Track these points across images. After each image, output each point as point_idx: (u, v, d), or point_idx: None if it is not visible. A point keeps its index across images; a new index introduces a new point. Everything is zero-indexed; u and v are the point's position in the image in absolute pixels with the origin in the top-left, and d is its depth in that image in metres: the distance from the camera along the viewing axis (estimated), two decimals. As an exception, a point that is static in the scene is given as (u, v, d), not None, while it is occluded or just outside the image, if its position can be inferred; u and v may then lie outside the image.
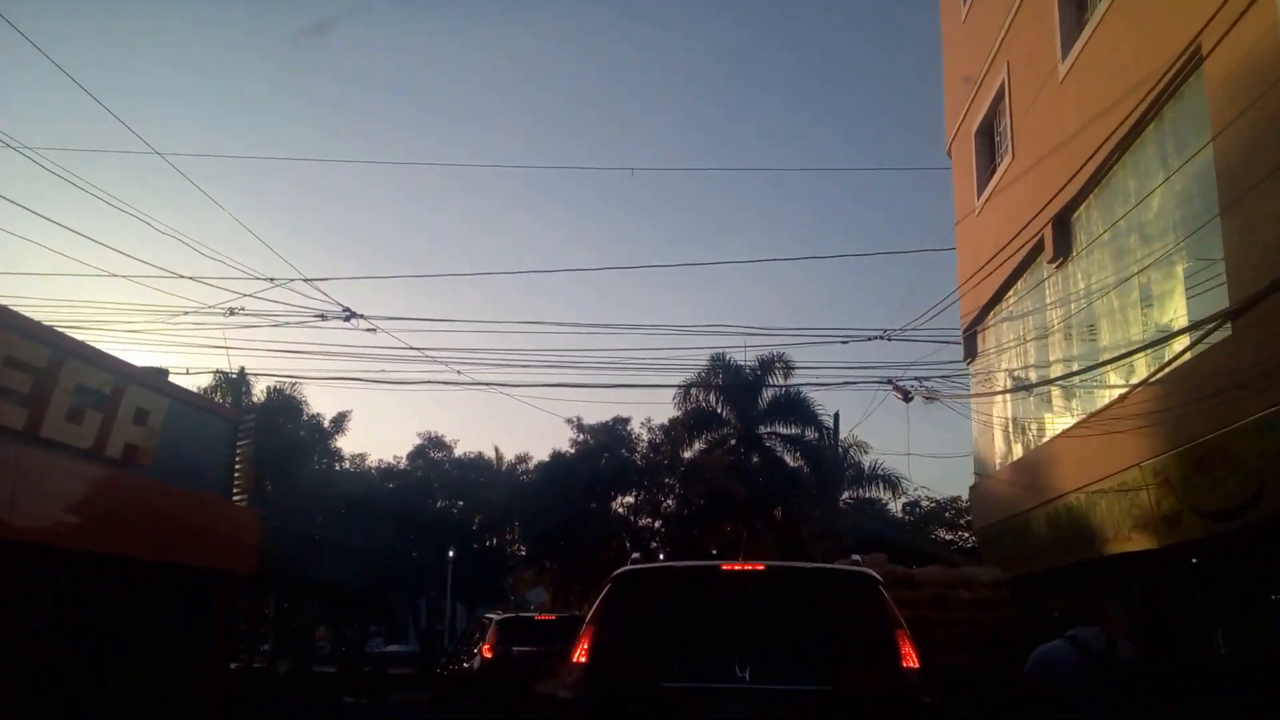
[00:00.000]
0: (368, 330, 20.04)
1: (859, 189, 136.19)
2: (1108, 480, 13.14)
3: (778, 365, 38.23)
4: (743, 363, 37.69)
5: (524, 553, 40.36)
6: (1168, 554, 12.10)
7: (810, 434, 38.77)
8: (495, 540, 42.83)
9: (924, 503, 38.20)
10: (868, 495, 39.74)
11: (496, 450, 42.25)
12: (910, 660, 5.79)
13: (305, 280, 20.22)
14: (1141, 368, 12.58)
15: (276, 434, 34.59)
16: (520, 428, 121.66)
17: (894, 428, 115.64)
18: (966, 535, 38.77)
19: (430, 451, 40.67)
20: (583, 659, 5.89)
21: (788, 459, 38.80)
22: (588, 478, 34.75)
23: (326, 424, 33.88)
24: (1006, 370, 17.41)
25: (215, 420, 16.89)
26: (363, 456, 39.76)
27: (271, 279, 19.65)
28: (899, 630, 5.92)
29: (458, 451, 41.04)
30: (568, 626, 16.41)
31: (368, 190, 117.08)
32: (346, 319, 19.28)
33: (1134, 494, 12.50)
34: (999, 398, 18.09)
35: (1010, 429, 17.82)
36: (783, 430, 38.88)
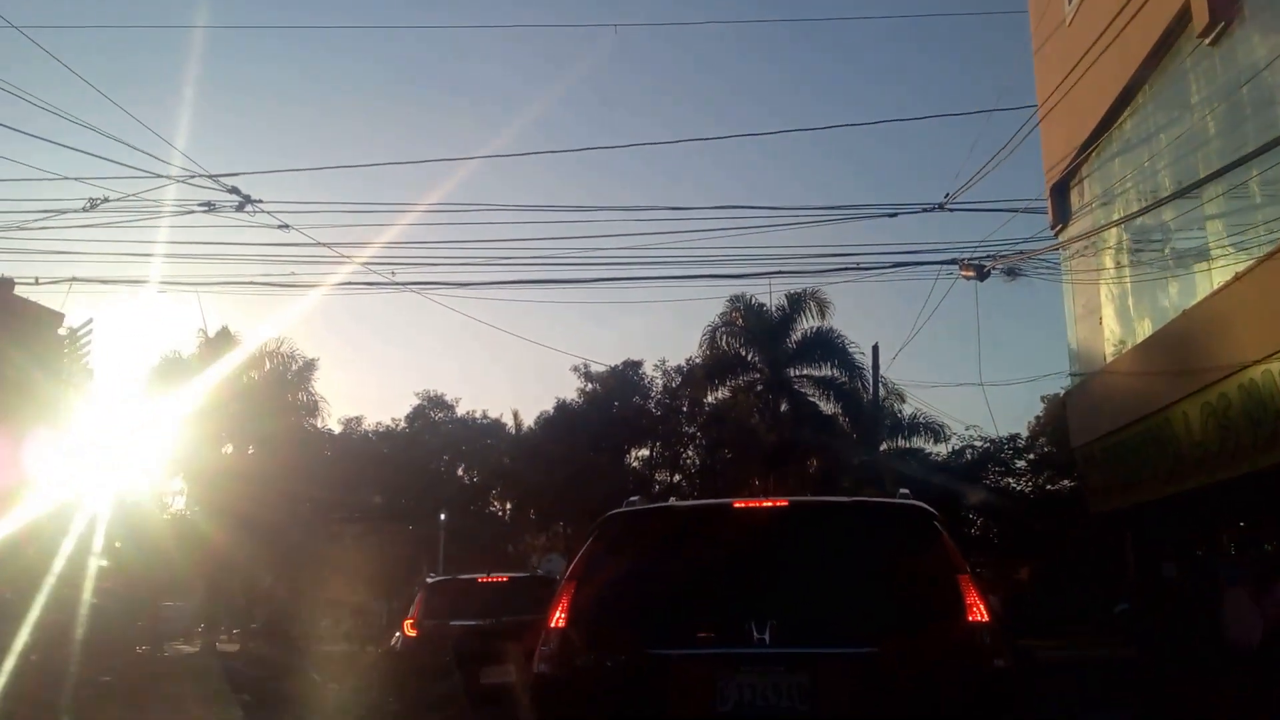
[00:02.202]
0: (280, 228, 15.12)
1: (903, 45, 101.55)
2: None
3: (809, 301, 33.30)
4: (767, 299, 32.70)
5: (534, 516, 35.36)
6: None
7: (844, 378, 33.80)
8: (510, 505, 38.01)
9: (976, 444, 32.70)
10: (910, 446, 34.59)
11: (515, 415, 37.13)
12: (977, 614, 4.51)
13: (209, 176, 15.35)
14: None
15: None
16: (528, 380, 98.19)
17: (942, 359, 71.78)
18: (1026, 478, 33.41)
19: (430, 412, 35.88)
20: (560, 624, 4.77)
21: (821, 404, 33.76)
22: (596, 428, 29.66)
23: (290, 375, 29.10)
24: (1125, 221, 12.01)
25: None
26: (359, 419, 35.35)
27: (164, 176, 14.85)
28: (962, 576, 4.65)
29: (460, 410, 36.24)
30: (525, 591, 11.56)
31: (286, 68, 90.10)
32: (240, 208, 14.30)
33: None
34: (1111, 259, 12.79)
35: (1131, 302, 12.53)
36: (814, 373, 33.92)
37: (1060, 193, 13.99)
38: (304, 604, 38.23)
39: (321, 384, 36.88)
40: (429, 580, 12.03)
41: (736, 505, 5.28)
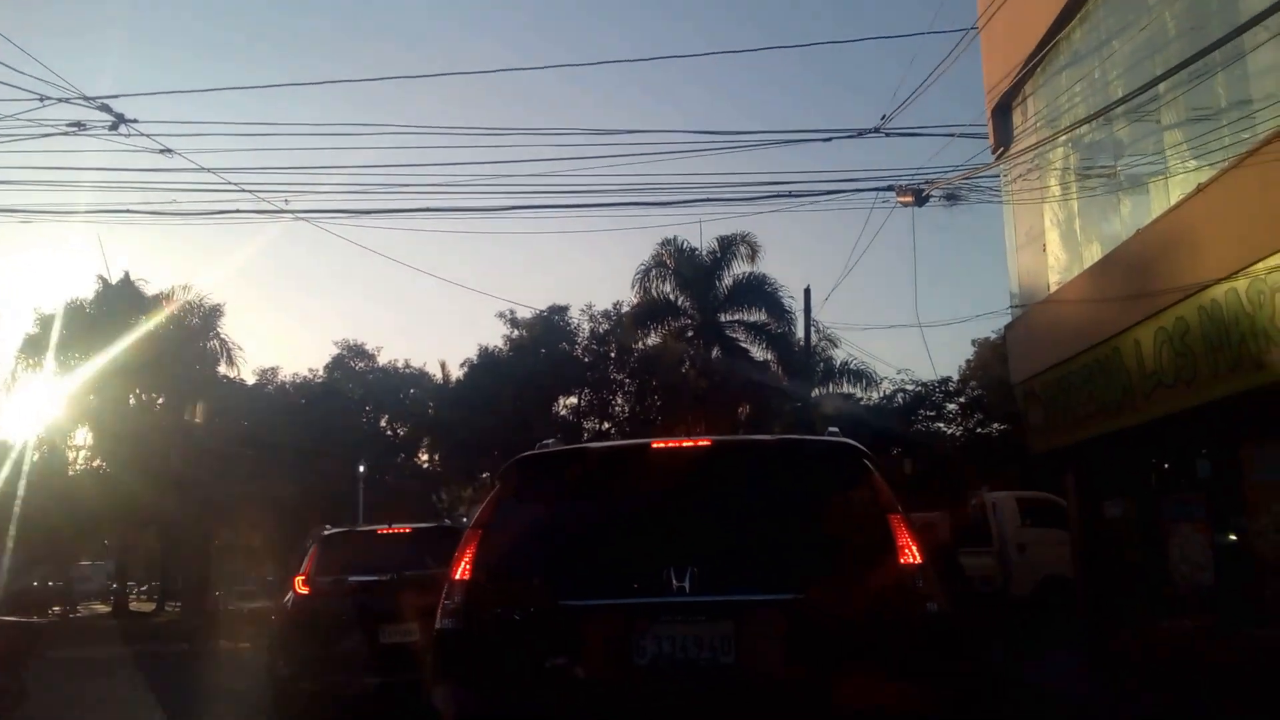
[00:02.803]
0: (161, 153, 13.64)
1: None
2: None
3: (740, 244, 32.62)
4: (697, 241, 31.92)
5: (459, 467, 34.28)
6: None
7: (775, 323, 33.23)
8: (438, 456, 36.84)
9: (908, 387, 32.36)
10: (840, 391, 34.12)
11: (443, 365, 35.75)
12: (909, 555, 4.27)
13: (81, 96, 13.78)
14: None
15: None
16: (454, 329, 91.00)
17: (878, 300, 73.64)
18: (957, 422, 33.22)
19: (350, 361, 34.43)
20: (464, 575, 4.46)
21: (753, 350, 33.25)
22: (523, 376, 28.56)
23: (194, 321, 27.46)
24: (1074, 128, 11.12)
25: None
26: (274, 370, 33.83)
27: (41, 97, 13.23)
28: (893, 515, 4.39)
29: (382, 359, 34.86)
30: (431, 542, 10.47)
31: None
32: (114, 128, 12.81)
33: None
34: (1056, 180, 11.97)
35: (1078, 225, 11.74)
36: (745, 318, 33.38)
37: (1002, 114, 13.12)
38: (220, 559, 36.74)
39: (235, 332, 35.31)
40: (324, 533, 10.89)
41: (655, 445, 4.90)
